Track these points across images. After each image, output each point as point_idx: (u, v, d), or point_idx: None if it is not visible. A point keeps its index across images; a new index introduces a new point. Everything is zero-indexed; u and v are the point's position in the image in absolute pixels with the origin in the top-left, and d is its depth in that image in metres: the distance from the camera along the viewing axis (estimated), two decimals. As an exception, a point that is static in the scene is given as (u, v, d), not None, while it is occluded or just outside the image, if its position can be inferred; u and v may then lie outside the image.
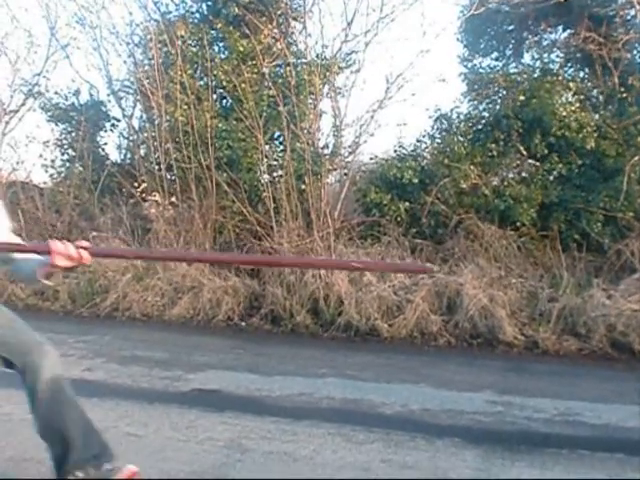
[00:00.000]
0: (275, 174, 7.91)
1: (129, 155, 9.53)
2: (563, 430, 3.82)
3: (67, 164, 9.46)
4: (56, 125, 9.43)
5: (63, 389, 2.45)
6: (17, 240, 2.42)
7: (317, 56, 8.15)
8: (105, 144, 9.73)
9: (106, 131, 9.68)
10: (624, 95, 7.64)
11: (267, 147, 7.94)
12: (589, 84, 8.38)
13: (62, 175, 9.49)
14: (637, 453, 3.41)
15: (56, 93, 9.41)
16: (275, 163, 8.10)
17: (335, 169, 8.17)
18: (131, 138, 9.46)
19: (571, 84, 7.70)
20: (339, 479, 3.02)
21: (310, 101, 8.04)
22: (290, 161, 7.35)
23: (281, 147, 8.34)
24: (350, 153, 8.23)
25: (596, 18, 8.12)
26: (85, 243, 2.11)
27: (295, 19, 8.68)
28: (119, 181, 8.74)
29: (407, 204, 7.24)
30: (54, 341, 6.12)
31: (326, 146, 8.24)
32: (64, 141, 9.45)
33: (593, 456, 3.38)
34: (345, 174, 8.12)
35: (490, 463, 3.28)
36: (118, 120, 9.62)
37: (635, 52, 8.41)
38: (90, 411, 3.92)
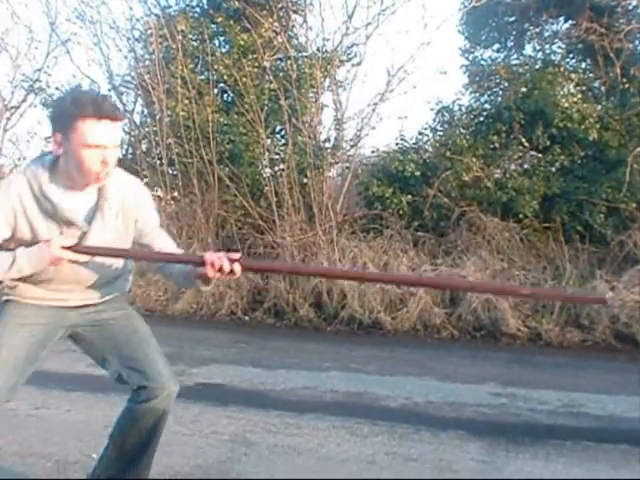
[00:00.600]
0: (277, 168, 7.90)
1: (131, 150, 9.51)
2: (567, 422, 3.82)
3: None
4: (57, 121, 9.43)
5: (162, 428, 2.44)
6: (165, 236, 2.37)
7: (318, 49, 8.13)
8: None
9: (107, 126, 9.67)
10: (626, 86, 7.62)
11: (269, 141, 7.94)
12: (591, 75, 8.35)
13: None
14: (641, 444, 3.41)
15: (57, 89, 9.39)
16: (277, 157, 8.08)
17: (337, 162, 8.16)
18: (132, 133, 9.44)
19: (573, 75, 7.67)
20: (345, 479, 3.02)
21: (311, 94, 8.02)
22: (292, 155, 7.34)
23: (283, 141, 8.33)
24: (352, 146, 8.22)
25: (598, 9, 8.10)
26: (237, 255, 2.07)
27: (296, 12, 8.65)
28: (121, 176, 8.73)
29: (409, 197, 7.23)
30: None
31: (328, 139, 8.24)
32: (65, 137, 9.44)
33: (597, 447, 3.38)
34: (347, 167, 8.11)
35: (494, 455, 3.28)
36: (119, 115, 9.61)
37: (637, 42, 8.39)
38: (95, 406, 3.95)
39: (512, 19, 9.57)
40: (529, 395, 4.27)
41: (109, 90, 9.43)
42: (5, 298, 2.30)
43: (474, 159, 7.14)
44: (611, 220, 6.64)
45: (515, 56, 9.50)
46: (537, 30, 9.44)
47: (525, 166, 7.38)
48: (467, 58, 10.01)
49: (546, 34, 9.45)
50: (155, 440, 2.45)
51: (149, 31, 8.43)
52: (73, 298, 2.30)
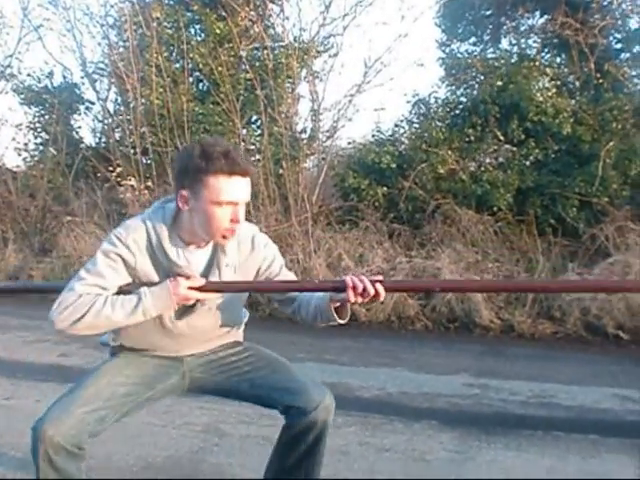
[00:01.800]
0: (252, 158, 7.87)
1: (104, 139, 9.43)
2: (538, 412, 3.85)
3: (41, 147, 9.36)
4: (29, 108, 9.31)
5: (324, 445, 2.30)
6: (291, 277, 2.25)
7: (295, 39, 8.10)
8: (79, 127, 9.65)
9: (80, 114, 9.59)
10: (600, 81, 7.69)
11: (244, 131, 7.90)
12: (566, 70, 8.42)
13: (36, 159, 9.39)
14: (611, 434, 3.46)
15: (29, 75, 9.29)
16: (252, 147, 8.06)
17: (313, 154, 8.15)
18: (106, 121, 9.36)
19: (548, 70, 7.73)
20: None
21: (288, 85, 8.00)
22: (267, 145, 7.31)
23: (258, 131, 8.30)
24: (328, 138, 8.22)
25: (573, 4, 8.15)
26: (379, 277, 1.96)
27: (272, 2, 8.61)
28: (94, 165, 8.65)
29: (385, 189, 7.24)
30: (29, 327, 6.08)
31: (304, 130, 8.22)
32: (37, 124, 9.34)
33: (568, 437, 3.42)
34: (323, 159, 8.10)
35: (466, 445, 3.31)
36: (92, 103, 9.53)
37: (611, 38, 8.47)
38: (65, 396, 3.90)
39: (488, 13, 9.62)
40: (501, 386, 4.30)
41: (82, 77, 9.34)
42: (112, 344, 2.25)
43: (450, 152, 7.16)
44: (583, 214, 6.70)
45: (491, 50, 9.56)
46: (513, 24, 9.50)
47: (500, 159, 7.43)
48: (444, 51, 10.06)
49: (522, 28, 9.51)
50: (313, 456, 2.29)
51: (123, 18, 8.34)
52: (188, 350, 2.23)
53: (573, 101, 7.60)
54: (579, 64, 7.97)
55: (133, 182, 8.01)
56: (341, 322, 2.09)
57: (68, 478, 1.98)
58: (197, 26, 8.87)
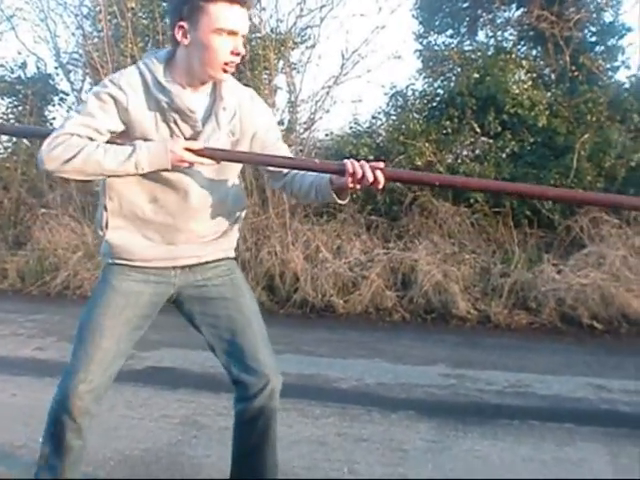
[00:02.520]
0: (229, 150, 7.82)
1: (79, 130, 9.32)
2: (514, 401, 3.90)
3: (14, 139, 9.21)
4: (2, 99, 9.16)
5: (271, 429, 2.25)
6: (289, 152, 2.18)
7: (272, 30, 8.04)
8: (54, 119, 9.49)
9: (54, 105, 9.45)
10: (575, 74, 7.76)
11: (221, 123, 7.85)
12: (541, 62, 8.48)
13: (9, 150, 9.25)
14: (586, 423, 3.51)
15: (1, 66, 9.13)
16: (229, 139, 8.00)
17: (290, 145, 8.10)
18: (81, 112, 9.24)
19: (524, 62, 7.77)
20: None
21: (265, 76, 7.95)
22: (245, 137, 7.27)
23: (235, 123, 8.24)
24: (305, 129, 8.18)
25: (548, -3, 8.21)
26: (381, 164, 1.88)
27: (249, -7, 8.55)
28: (69, 157, 8.54)
29: (362, 181, 7.24)
30: (4, 321, 6.01)
31: (281, 122, 8.17)
32: (10, 115, 9.19)
33: (543, 426, 3.46)
34: (300, 150, 8.07)
35: (443, 435, 3.33)
36: (67, 94, 9.39)
37: (586, 31, 8.54)
38: (42, 390, 3.86)
39: (465, 5, 9.66)
40: (477, 376, 4.34)
41: (56, 68, 9.21)
42: (108, 261, 2.12)
43: (427, 144, 7.17)
44: (559, 205, 6.75)
45: (468, 42, 9.60)
46: (490, 17, 9.55)
47: (476, 152, 7.46)
48: (421, 43, 10.08)
49: (498, 21, 9.56)
50: (267, 443, 2.25)
51: (98, 8, 8.23)
52: (183, 253, 2.12)
53: (549, 93, 7.65)
54: (555, 57, 8.03)
55: (109, 174, 7.94)
56: (340, 202, 2.04)
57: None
58: (173, 17, 8.79)
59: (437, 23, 9.94)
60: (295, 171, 2.11)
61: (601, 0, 8.52)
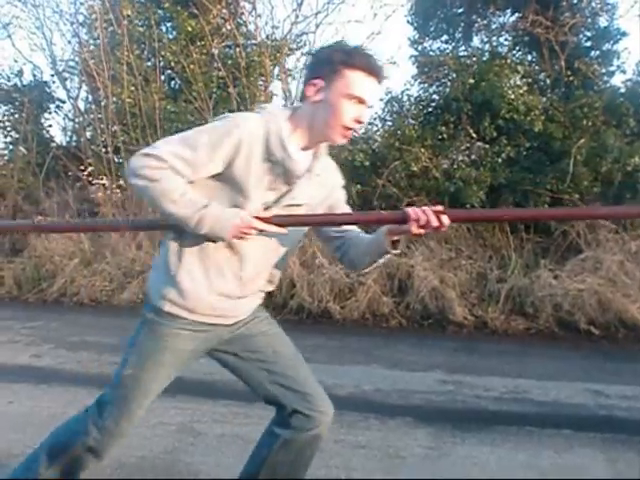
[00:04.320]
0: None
1: (75, 137, 9.33)
2: (512, 407, 3.89)
3: (10, 147, 9.23)
4: (-2, 107, 9.17)
5: (311, 458, 2.24)
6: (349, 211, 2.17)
7: (267, 37, 8.08)
8: (50, 126, 9.53)
9: (50, 113, 9.47)
10: (570, 78, 7.77)
11: (217, 129, 7.84)
12: (537, 67, 8.49)
13: (5, 158, 9.26)
14: (583, 429, 3.50)
15: (-2, 73, 9.14)
16: (225, 145, 8.00)
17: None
18: (77, 120, 9.26)
19: (519, 67, 7.78)
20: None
21: (260, 83, 7.97)
22: (241, 144, 7.27)
23: (232, 129, 8.23)
24: (301, 136, 8.18)
25: (543, 2, 8.22)
26: (440, 207, 1.89)
27: (244, -1, 8.58)
28: (65, 164, 8.55)
29: (359, 187, 7.24)
30: (0, 328, 5.98)
31: (277, 129, 8.18)
32: (7, 123, 9.21)
33: (541, 432, 3.45)
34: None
35: (441, 441, 3.32)
36: (63, 101, 9.42)
37: (581, 36, 8.55)
38: (38, 398, 3.86)
39: (460, 11, 9.66)
40: (475, 382, 4.33)
41: (52, 75, 9.22)
42: (166, 309, 2.01)
43: (422, 149, 7.18)
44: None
45: (463, 48, 9.60)
46: (484, 22, 9.55)
47: (472, 157, 7.46)
48: (416, 49, 10.06)
49: (493, 26, 9.56)
50: (306, 469, 2.26)
51: (94, 15, 8.25)
52: (243, 308, 2.10)
53: (544, 98, 7.66)
54: (550, 62, 8.05)
55: (105, 181, 7.94)
56: (395, 252, 2.03)
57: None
58: (168, 24, 8.80)
59: (432, 29, 9.94)
60: (349, 235, 2.15)
61: (596, 5, 8.53)
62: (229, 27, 8.00)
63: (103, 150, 7.95)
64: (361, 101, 1.91)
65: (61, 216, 7.83)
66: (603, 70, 8.33)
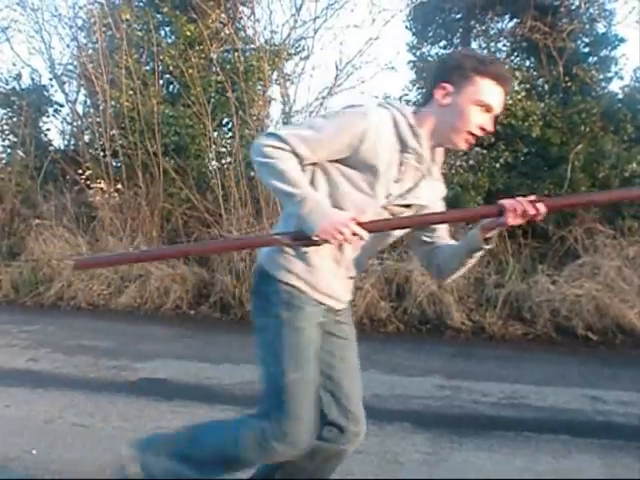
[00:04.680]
0: (224, 161, 7.83)
1: (73, 141, 9.31)
2: (509, 413, 3.89)
3: (8, 150, 9.23)
4: (-4, 110, 9.16)
5: (333, 471, 2.27)
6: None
7: (266, 42, 8.07)
8: (48, 130, 9.51)
9: (49, 116, 9.46)
10: (568, 84, 7.78)
11: (215, 134, 7.85)
12: (535, 73, 8.50)
13: (3, 162, 9.24)
14: (581, 434, 3.50)
15: (-4, 77, 9.13)
16: (224, 150, 8.02)
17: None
18: (75, 124, 9.25)
19: (517, 73, 7.80)
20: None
21: (259, 87, 7.97)
22: (239, 148, 7.28)
23: (230, 134, 8.26)
24: (300, 140, 8.18)
25: (542, 8, 8.24)
26: (532, 197, 1.90)
27: (243, 4, 8.57)
28: (63, 168, 8.53)
29: (356, 191, 7.24)
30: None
31: (275, 133, 8.18)
32: (5, 127, 9.20)
33: (539, 438, 3.45)
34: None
35: (439, 446, 3.32)
36: (61, 105, 9.40)
37: (579, 42, 8.56)
38: (35, 402, 3.85)
39: (458, 16, 9.67)
40: (473, 387, 4.33)
41: (50, 79, 9.22)
42: (293, 282, 1.99)
43: (421, 155, 7.17)
44: (553, 216, 6.76)
45: (461, 53, 9.60)
46: (483, 28, 9.56)
47: (470, 162, 7.47)
48: (414, 54, 10.07)
49: (491, 32, 9.57)
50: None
51: (92, 19, 8.25)
52: (346, 292, 2.14)
53: (542, 104, 7.67)
54: (548, 67, 8.06)
55: (103, 185, 7.92)
56: (488, 247, 2.05)
57: None
58: (167, 28, 8.80)
59: (430, 34, 9.95)
60: (438, 243, 2.15)
61: (594, 11, 8.55)
62: (228, 32, 8.01)
63: (101, 154, 7.94)
64: (489, 109, 1.96)
65: (59, 219, 7.83)
66: (601, 76, 8.33)
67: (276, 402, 1.97)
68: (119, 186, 7.91)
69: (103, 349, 5.15)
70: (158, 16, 8.52)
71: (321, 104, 7.98)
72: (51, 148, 9.19)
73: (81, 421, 3.54)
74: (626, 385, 4.39)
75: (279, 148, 1.88)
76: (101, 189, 7.95)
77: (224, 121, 8.29)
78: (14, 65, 9.26)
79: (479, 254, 2.06)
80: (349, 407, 2.15)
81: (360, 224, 1.87)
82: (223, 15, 8.24)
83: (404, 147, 1.95)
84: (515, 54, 9.15)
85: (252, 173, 7.32)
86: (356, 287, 6.13)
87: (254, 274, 2.11)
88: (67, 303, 6.84)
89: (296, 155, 1.89)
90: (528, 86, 7.86)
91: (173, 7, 8.30)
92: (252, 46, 8.14)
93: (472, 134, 1.96)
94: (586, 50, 8.68)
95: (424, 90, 2.07)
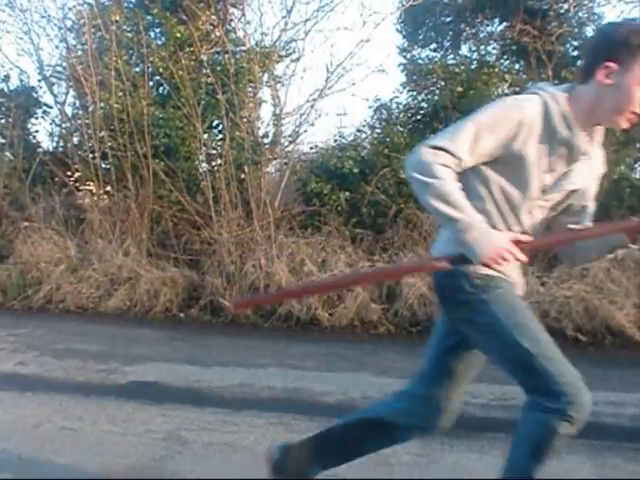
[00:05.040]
0: (214, 163, 7.81)
1: (62, 143, 9.26)
2: (499, 414, 3.89)
3: (-5, 151, 9.16)
4: (-16, 112, 9.11)
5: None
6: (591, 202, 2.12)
7: (256, 44, 8.07)
8: (37, 131, 9.44)
9: (37, 118, 9.39)
10: (557, 87, 7.81)
11: (205, 136, 7.83)
12: (524, 76, 8.53)
13: (-9, 164, 9.17)
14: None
15: (-16, 78, 9.08)
16: (214, 152, 7.99)
17: (275, 158, 8.11)
18: (64, 125, 9.19)
19: (507, 76, 7.83)
20: None
21: (249, 89, 7.96)
22: (229, 150, 7.26)
23: (220, 136, 8.23)
24: (290, 142, 8.19)
25: (531, 11, 8.29)
26: None
27: (234, 6, 8.57)
28: (51, 170, 8.48)
29: (347, 194, 7.25)
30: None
31: (266, 135, 8.18)
32: (-7, 128, 9.14)
33: (529, 439, 3.45)
34: (285, 163, 8.08)
35: (429, 448, 3.32)
36: (50, 107, 9.35)
37: (568, 45, 8.61)
38: (23, 406, 3.83)
39: (449, 19, 9.71)
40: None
41: (39, 81, 9.17)
42: (479, 274, 2.00)
43: (411, 157, 7.18)
44: (543, 218, 6.78)
45: (451, 56, 9.64)
46: (473, 31, 9.61)
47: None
48: (405, 57, 10.11)
49: (481, 35, 9.62)
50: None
51: (82, 21, 8.21)
52: (521, 281, 2.20)
53: (531, 107, 7.69)
54: (537, 71, 8.08)
55: (92, 187, 7.89)
56: (636, 247, 2.12)
57: None
58: (157, 30, 8.77)
59: (421, 37, 9.99)
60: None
61: (583, 15, 8.61)
62: (218, 33, 8.00)
63: (90, 156, 7.91)
64: None
65: (47, 222, 7.78)
66: (590, 79, 8.38)
67: (543, 379, 2.08)
68: (108, 188, 7.87)
69: (92, 352, 5.13)
70: (148, 17, 8.48)
71: (312, 106, 8.00)
72: (40, 150, 9.13)
73: (70, 425, 3.52)
74: (615, 386, 4.40)
75: (448, 166, 1.85)
76: (90, 191, 7.92)
77: (214, 123, 8.27)
78: (2, 66, 9.20)
79: (621, 252, 2.11)
80: (447, 394, 2.39)
81: (519, 243, 1.90)
82: (213, 17, 8.23)
83: (556, 138, 1.93)
84: (504, 57, 9.18)
85: (243, 175, 7.31)
86: (347, 289, 6.17)
87: (436, 280, 2.18)
88: (56, 306, 6.81)
89: (458, 162, 1.87)
90: (518, 89, 7.87)
91: (163, 9, 8.28)
92: (243, 48, 8.13)
93: (636, 113, 1.91)
94: (575, 53, 8.72)
95: (582, 65, 2.00)
